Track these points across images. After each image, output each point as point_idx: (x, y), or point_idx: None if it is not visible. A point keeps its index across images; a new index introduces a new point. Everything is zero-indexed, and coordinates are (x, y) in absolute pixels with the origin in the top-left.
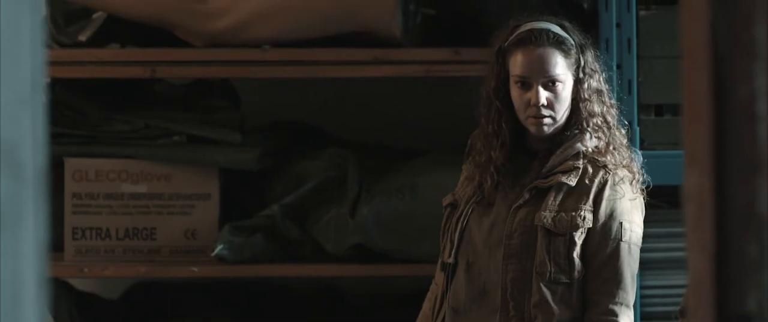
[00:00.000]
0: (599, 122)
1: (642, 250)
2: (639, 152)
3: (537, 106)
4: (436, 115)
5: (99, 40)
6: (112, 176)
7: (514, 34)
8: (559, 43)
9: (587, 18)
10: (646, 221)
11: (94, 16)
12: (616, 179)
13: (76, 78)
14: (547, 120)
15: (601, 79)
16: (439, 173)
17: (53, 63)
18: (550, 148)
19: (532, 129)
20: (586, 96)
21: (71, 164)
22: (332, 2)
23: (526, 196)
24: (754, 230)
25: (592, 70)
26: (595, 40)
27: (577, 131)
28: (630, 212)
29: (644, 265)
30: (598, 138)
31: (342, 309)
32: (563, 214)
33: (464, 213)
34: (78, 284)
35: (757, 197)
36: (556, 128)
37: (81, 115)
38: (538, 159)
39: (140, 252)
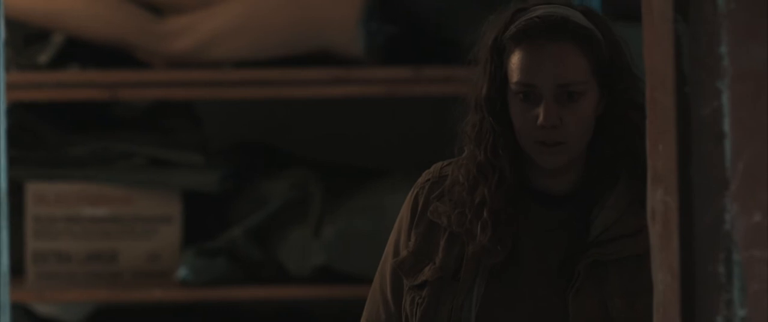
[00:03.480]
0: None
1: None
2: None
3: (547, 127)
4: (400, 135)
5: (58, 62)
6: (73, 199)
7: (517, 22)
8: (582, 37)
9: None
10: None
11: (54, 38)
12: None
13: (35, 101)
14: (559, 147)
15: (641, 85)
16: (406, 193)
17: (12, 86)
18: (576, 192)
19: (539, 159)
20: (624, 113)
21: (31, 187)
22: (293, 22)
23: (581, 274)
24: (721, 249)
25: (633, 76)
26: None
27: (608, 165)
28: None
29: None
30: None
31: None
32: (642, 297)
33: (476, 292)
34: (39, 309)
35: (723, 215)
36: (570, 159)
37: (40, 139)
38: (558, 206)
39: (102, 276)
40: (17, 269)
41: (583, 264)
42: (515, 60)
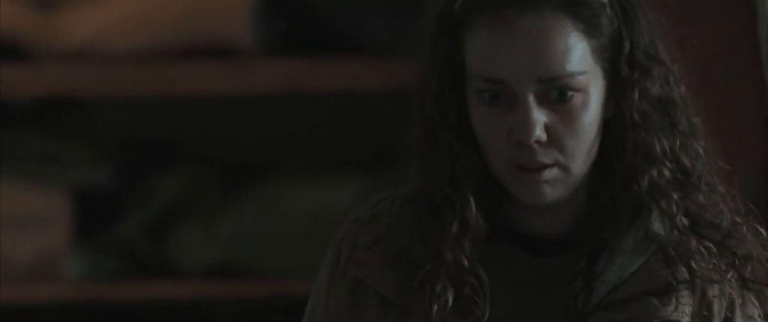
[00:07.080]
0: (668, 175)
1: None
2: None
3: (528, 143)
4: (298, 129)
5: None
6: None
7: None
8: (576, 4)
9: None
10: None
11: None
12: (744, 300)
13: None
14: (548, 173)
15: (670, 76)
16: (304, 188)
17: None
18: (574, 232)
19: (517, 191)
20: (638, 117)
21: None
22: (184, 13)
23: None
24: None
25: (650, 56)
26: None
27: (626, 193)
28: None
29: None
30: (674, 209)
31: None
32: None
33: None
34: None
35: None
36: (568, 187)
37: None
38: (548, 252)
39: None
40: None
41: None
42: (475, 42)
